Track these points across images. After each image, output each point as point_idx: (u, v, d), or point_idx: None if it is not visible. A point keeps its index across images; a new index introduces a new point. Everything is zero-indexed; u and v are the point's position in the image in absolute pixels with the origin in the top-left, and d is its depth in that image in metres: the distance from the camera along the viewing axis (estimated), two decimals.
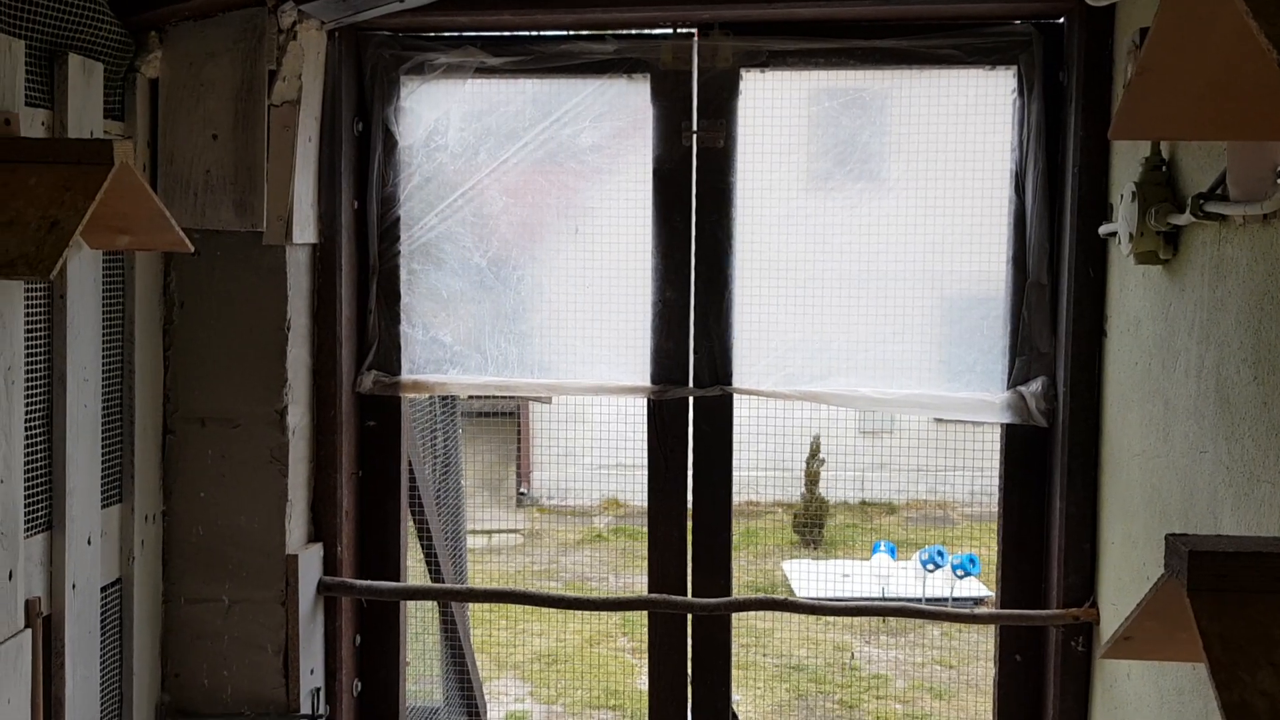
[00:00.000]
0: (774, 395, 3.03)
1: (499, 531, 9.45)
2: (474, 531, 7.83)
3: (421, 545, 3.77)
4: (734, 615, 3.11)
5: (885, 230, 2.97)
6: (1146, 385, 2.48)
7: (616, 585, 8.37)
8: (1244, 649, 1.39)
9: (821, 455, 9.09)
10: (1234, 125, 1.69)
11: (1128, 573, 2.59)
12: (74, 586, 2.52)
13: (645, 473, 3.07)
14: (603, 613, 8.03)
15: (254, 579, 2.88)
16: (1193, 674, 2.18)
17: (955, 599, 7.72)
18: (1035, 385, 2.86)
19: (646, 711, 3.12)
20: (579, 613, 7.85)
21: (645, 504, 3.08)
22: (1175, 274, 2.32)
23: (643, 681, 6.75)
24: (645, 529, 3.10)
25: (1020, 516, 2.98)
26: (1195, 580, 1.44)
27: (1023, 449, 2.96)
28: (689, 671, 3.10)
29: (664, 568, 3.09)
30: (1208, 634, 1.41)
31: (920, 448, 8.72)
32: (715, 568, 3.08)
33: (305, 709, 2.88)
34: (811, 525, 9.16)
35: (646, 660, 3.12)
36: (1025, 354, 2.89)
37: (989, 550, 7.49)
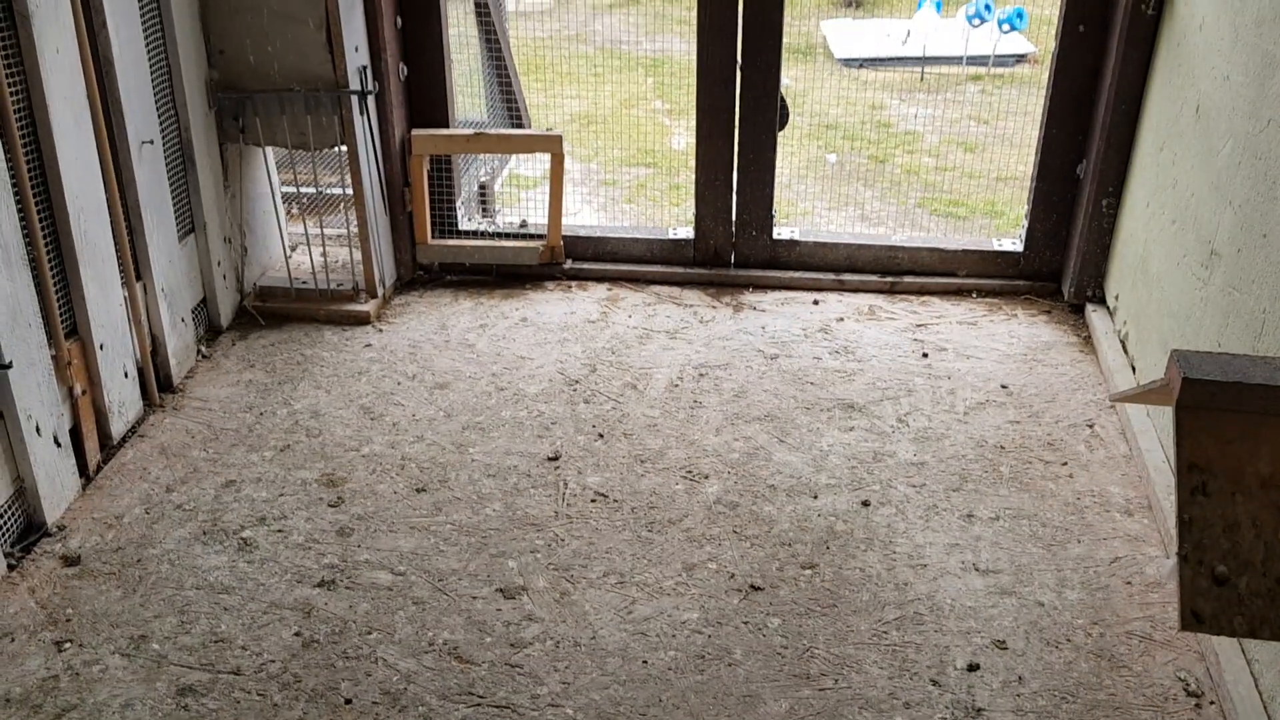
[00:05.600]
0: None
1: None
2: None
3: None
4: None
5: None
6: None
7: (651, 49, 8.20)
8: None
9: None
10: None
11: None
12: None
13: None
14: (637, 75, 7.94)
15: None
16: (1271, 4, 2.08)
17: (998, 56, 7.53)
18: None
19: (694, 107, 3.10)
20: (614, 75, 7.76)
21: None
22: None
23: (677, 142, 6.80)
24: None
25: None
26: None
27: None
28: (738, 55, 3.04)
29: None
30: None
31: None
32: None
33: (354, 86, 2.87)
34: None
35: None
36: None
37: (1035, 4, 7.16)
